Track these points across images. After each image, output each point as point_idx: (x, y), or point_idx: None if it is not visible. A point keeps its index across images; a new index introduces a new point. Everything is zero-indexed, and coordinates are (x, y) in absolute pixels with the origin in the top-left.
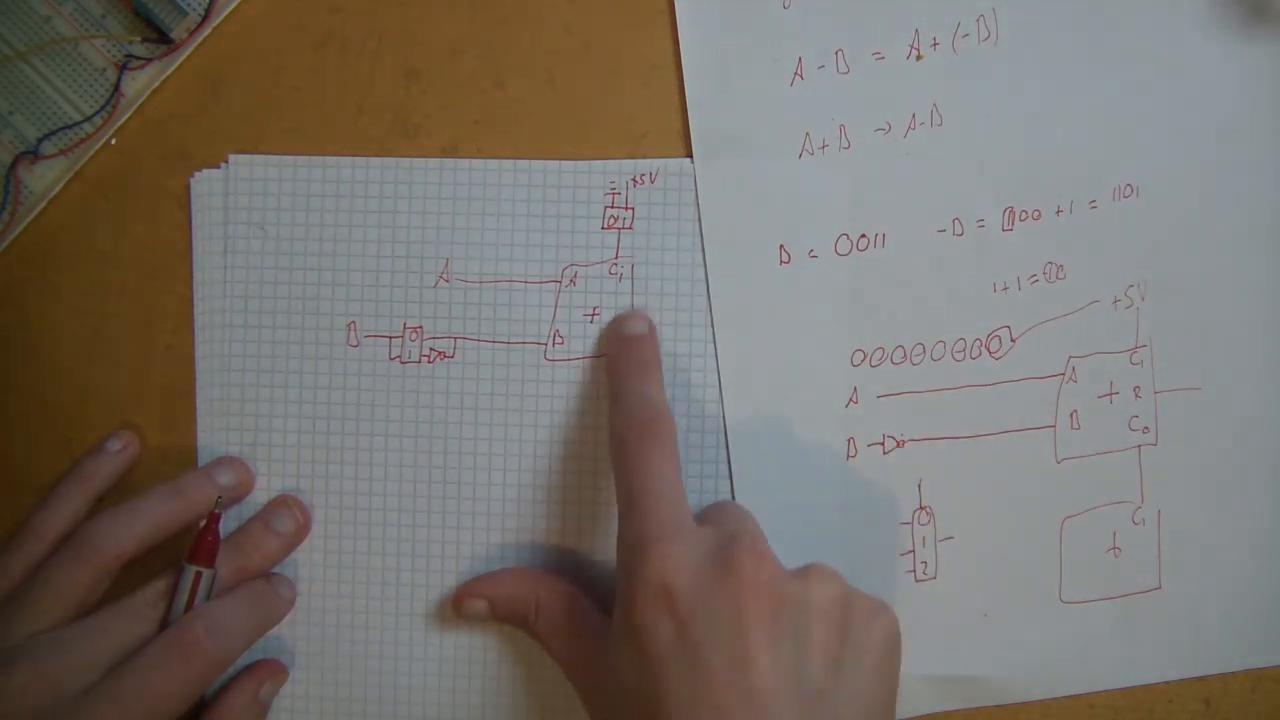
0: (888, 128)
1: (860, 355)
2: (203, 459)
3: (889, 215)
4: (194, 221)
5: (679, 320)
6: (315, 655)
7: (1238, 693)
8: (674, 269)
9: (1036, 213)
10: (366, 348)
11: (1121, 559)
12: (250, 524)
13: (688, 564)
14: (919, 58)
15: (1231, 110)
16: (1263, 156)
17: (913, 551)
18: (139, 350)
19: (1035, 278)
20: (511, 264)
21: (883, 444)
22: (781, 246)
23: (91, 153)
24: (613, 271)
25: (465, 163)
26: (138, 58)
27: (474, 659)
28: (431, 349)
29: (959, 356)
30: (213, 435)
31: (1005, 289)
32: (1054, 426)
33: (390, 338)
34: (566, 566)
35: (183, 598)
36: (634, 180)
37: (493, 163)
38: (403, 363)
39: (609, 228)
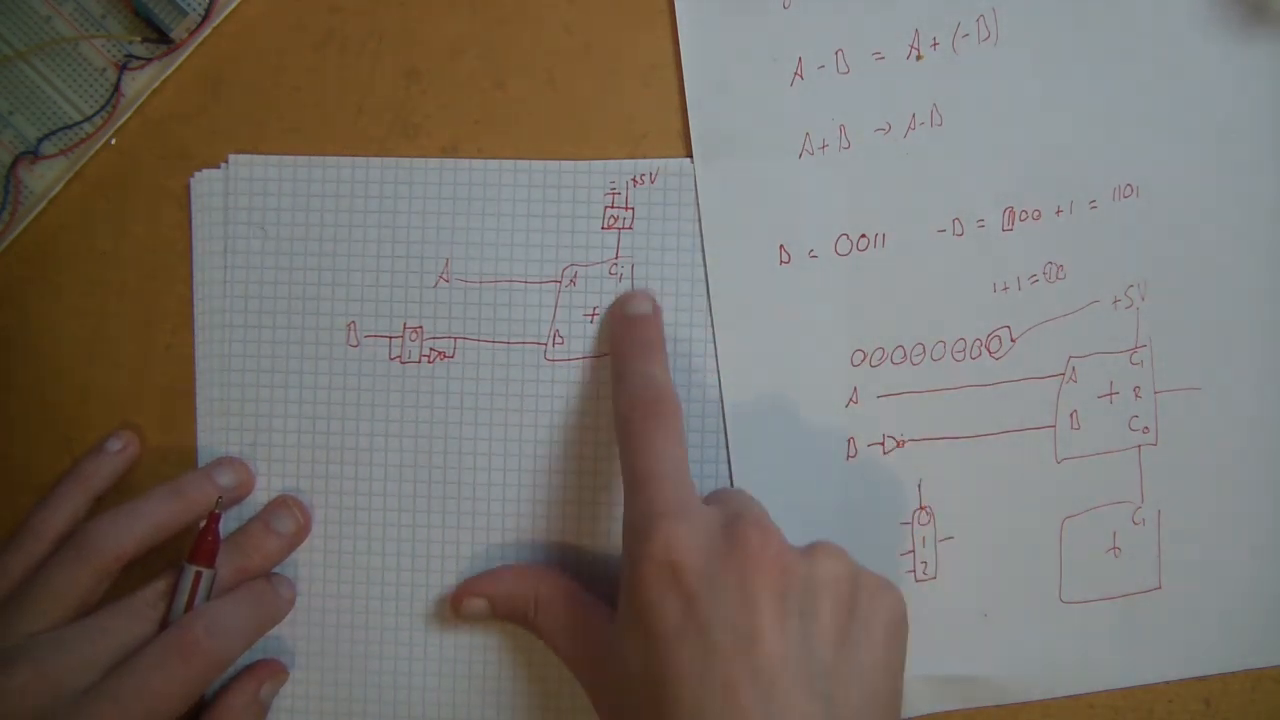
0: (888, 128)
1: (860, 355)
2: (203, 459)
3: (889, 215)
4: (194, 221)
5: (679, 320)
6: (315, 655)
7: (1238, 693)
8: (674, 269)
9: (1036, 213)
10: (366, 348)
11: (1121, 559)
12: (250, 524)
13: (694, 541)
14: (919, 58)
15: (1231, 110)
16: (1263, 156)
17: (913, 551)
18: (139, 350)
19: (1035, 278)
20: (511, 264)
21: (883, 444)
22: (781, 246)
23: (91, 153)
24: (613, 271)
25: (465, 163)
26: (138, 58)
27: (474, 659)
28: (431, 349)
29: (959, 356)
30: (213, 435)
31: (1005, 289)
32: (1054, 426)
33: (390, 338)
34: (567, 565)
35: (183, 598)
36: (634, 180)
37: (493, 163)
38: (403, 363)
39: (609, 228)
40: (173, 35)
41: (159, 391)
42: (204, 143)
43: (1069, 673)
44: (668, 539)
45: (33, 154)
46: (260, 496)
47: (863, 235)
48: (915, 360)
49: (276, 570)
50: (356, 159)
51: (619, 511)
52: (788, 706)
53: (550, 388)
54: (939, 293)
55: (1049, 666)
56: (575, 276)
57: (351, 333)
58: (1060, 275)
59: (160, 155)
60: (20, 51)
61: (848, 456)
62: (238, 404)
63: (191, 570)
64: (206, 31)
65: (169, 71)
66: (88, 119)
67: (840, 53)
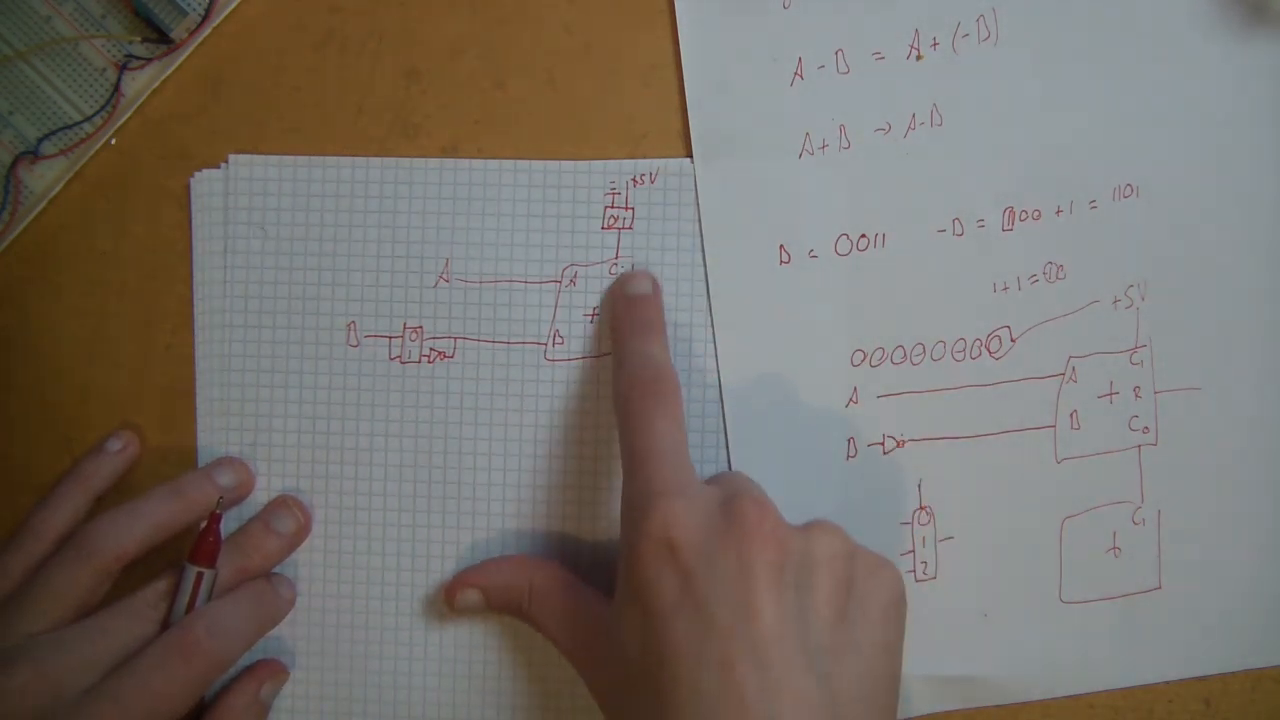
0: (888, 128)
1: (860, 355)
2: (203, 459)
3: (889, 215)
4: (194, 221)
5: (679, 320)
6: (315, 655)
7: (1238, 693)
8: (674, 269)
9: (1036, 213)
10: (366, 348)
11: (1121, 559)
12: (251, 524)
13: (691, 518)
14: (919, 58)
15: (1231, 110)
16: (1262, 156)
17: (913, 551)
18: (139, 350)
19: (1035, 278)
20: (511, 264)
21: (883, 444)
22: (781, 246)
23: (91, 153)
24: (612, 271)
25: (465, 163)
26: (138, 58)
27: (474, 658)
28: (431, 349)
29: (959, 356)
30: (213, 435)
31: (1005, 289)
32: (1054, 426)
33: (390, 338)
34: (566, 561)
35: (184, 598)
36: (634, 180)
37: (493, 163)
38: (403, 363)
39: (609, 228)
40: (173, 35)
41: (159, 391)
42: (204, 143)
43: (1069, 673)
44: (665, 517)
45: (33, 154)
46: (260, 496)
47: (863, 235)
48: (915, 360)
49: (276, 570)
50: (356, 159)
51: (619, 511)
52: (784, 681)
53: (550, 388)
54: (939, 293)
55: (1049, 666)
56: (575, 276)
57: (351, 333)
58: (1060, 275)
59: (160, 155)
60: (20, 51)
61: (848, 456)
62: (238, 404)
63: (192, 570)
64: (206, 31)
65: (169, 71)
66: (88, 119)
67: (840, 53)
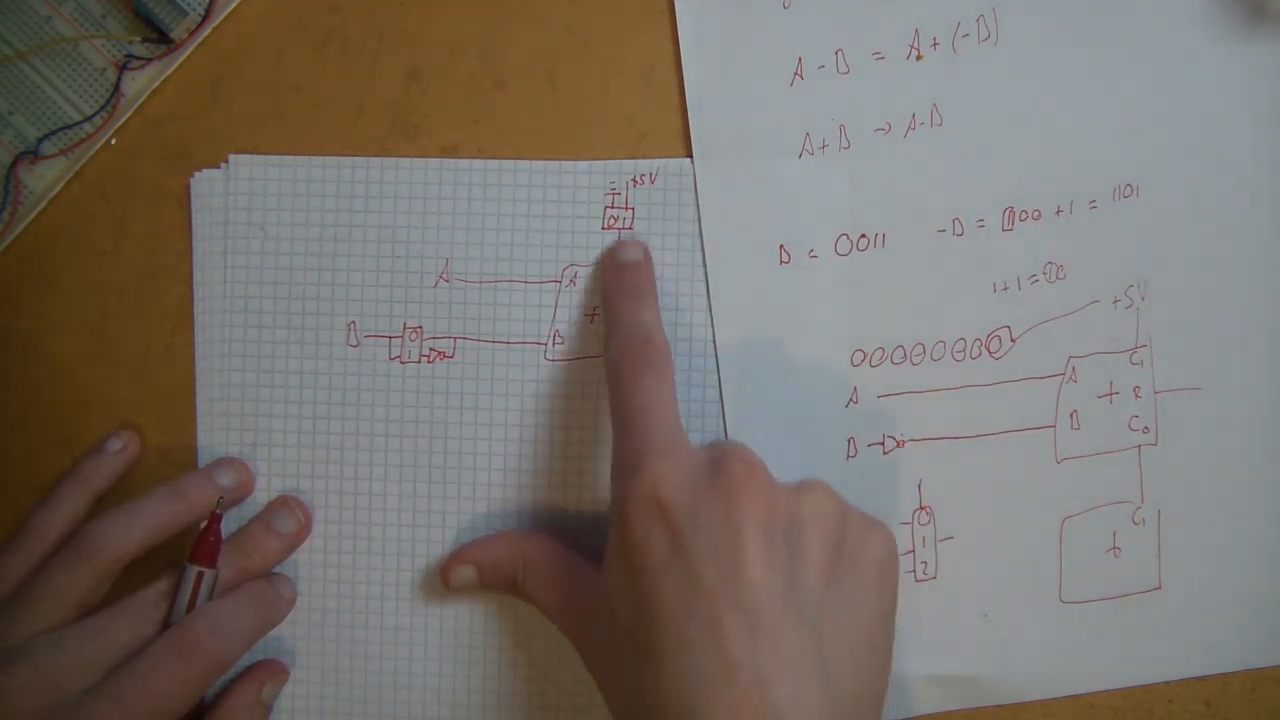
0: (888, 128)
1: (860, 355)
2: (203, 459)
3: (889, 215)
4: (194, 221)
5: (679, 320)
6: (315, 655)
7: (1238, 693)
8: (674, 269)
9: (1036, 213)
10: (366, 348)
11: (1121, 559)
12: (251, 524)
13: (680, 477)
14: (919, 58)
15: (1231, 110)
16: (1263, 156)
17: (913, 551)
18: (139, 350)
19: (1035, 278)
20: (511, 264)
21: (883, 444)
22: (781, 246)
23: (91, 153)
24: None
25: (465, 163)
26: (138, 58)
27: (473, 659)
28: (431, 349)
29: (959, 356)
30: (213, 435)
31: (1005, 289)
32: (1054, 426)
33: (390, 338)
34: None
35: (184, 598)
36: (634, 180)
37: (493, 163)
38: (403, 363)
39: (609, 228)
40: (173, 35)
41: (159, 391)
42: (204, 143)
43: (1069, 673)
44: (654, 476)
45: (33, 154)
46: (260, 496)
47: (863, 235)
48: (915, 360)
49: (276, 570)
50: (356, 159)
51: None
52: (773, 636)
53: (550, 388)
54: (939, 293)
55: (1049, 666)
56: (575, 276)
57: (351, 333)
58: (1060, 275)
59: (160, 155)
60: (20, 51)
61: (848, 456)
62: (238, 404)
63: (193, 570)
64: (206, 31)
65: (169, 71)
66: (88, 119)
67: (840, 53)
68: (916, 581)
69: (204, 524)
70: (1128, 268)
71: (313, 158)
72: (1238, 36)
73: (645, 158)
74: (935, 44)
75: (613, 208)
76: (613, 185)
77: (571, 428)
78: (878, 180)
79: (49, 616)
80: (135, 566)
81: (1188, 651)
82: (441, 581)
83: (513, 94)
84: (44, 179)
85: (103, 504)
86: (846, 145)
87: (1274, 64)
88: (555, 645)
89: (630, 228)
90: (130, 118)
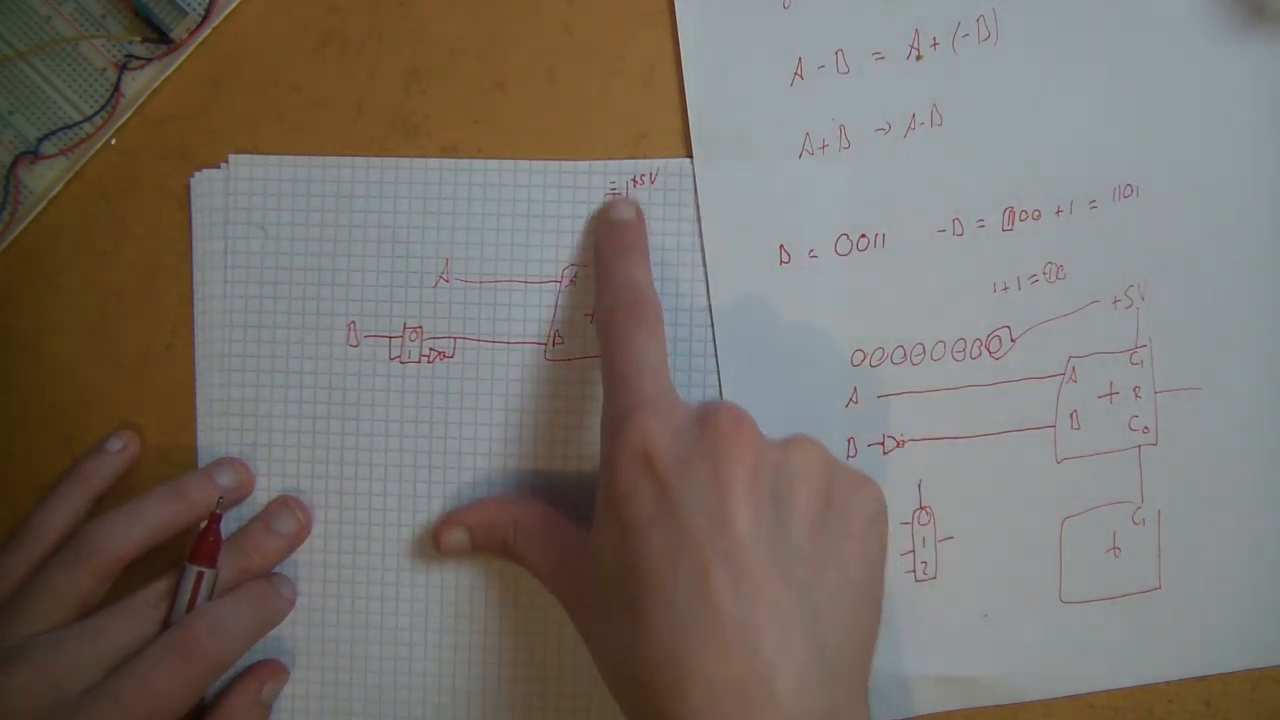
0: (888, 128)
1: (860, 355)
2: (203, 459)
3: (889, 215)
4: (194, 221)
5: (679, 320)
6: (315, 655)
7: (1238, 693)
8: (674, 269)
9: (1036, 213)
10: (366, 348)
11: (1121, 559)
12: (251, 524)
13: (668, 430)
14: (919, 58)
15: (1231, 110)
16: (1263, 156)
17: (913, 551)
18: (139, 350)
19: (1035, 278)
20: (511, 264)
21: (883, 444)
22: (781, 246)
23: (91, 153)
24: None
25: (465, 163)
26: (138, 58)
27: (474, 659)
28: (431, 349)
29: (959, 356)
30: (213, 435)
31: (1005, 289)
32: (1054, 426)
33: (390, 338)
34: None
35: (184, 598)
36: (634, 180)
37: (493, 163)
38: (403, 363)
39: None
40: (173, 35)
41: (159, 391)
42: (204, 143)
43: (1069, 673)
44: (643, 431)
45: (33, 154)
46: (260, 496)
47: (863, 235)
48: (915, 360)
49: (276, 570)
50: (356, 159)
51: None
52: (760, 588)
53: (550, 388)
54: (939, 293)
55: (1049, 666)
56: (575, 276)
57: (351, 333)
58: (1060, 275)
59: (160, 155)
60: (20, 51)
61: (848, 456)
62: (238, 404)
63: (193, 570)
64: (206, 31)
65: (169, 71)
66: (88, 119)
67: (840, 53)
68: (916, 581)
69: (204, 524)
70: (1128, 268)
71: (313, 158)
72: (1238, 36)
73: (645, 158)
74: (935, 44)
75: None
76: (613, 185)
77: (571, 428)
78: (878, 180)
79: (49, 616)
80: (135, 566)
81: (1188, 651)
82: (434, 544)
83: (513, 94)
84: (44, 179)
85: (103, 504)
86: (846, 145)
87: (1274, 64)
88: (555, 645)
89: None
90: (130, 118)
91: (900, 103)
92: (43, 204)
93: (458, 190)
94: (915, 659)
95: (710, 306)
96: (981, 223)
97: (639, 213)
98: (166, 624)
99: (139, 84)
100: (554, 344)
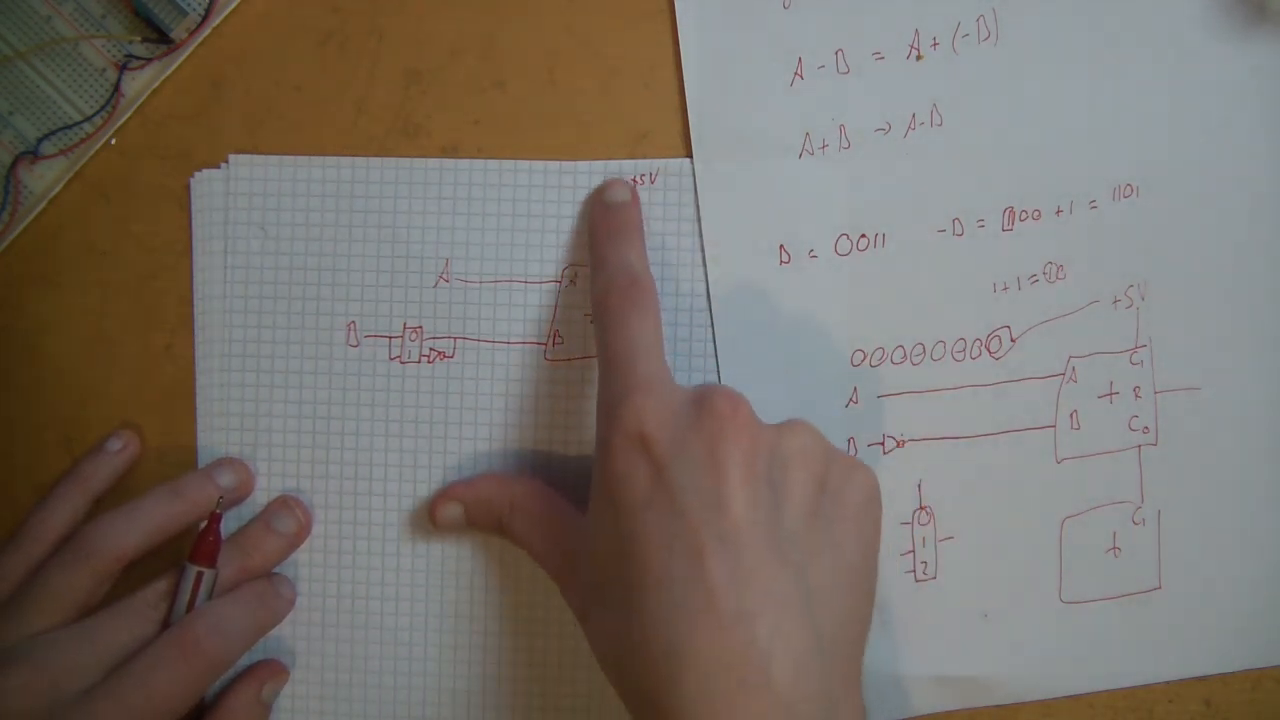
0: (888, 128)
1: (860, 355)
2: (203, 459)
3: (889, 215)
4: (194, 221)
5: (679, 320)
6: (315, 655)
7: (1238, 693)
8: (674, 269)
9: (1036, 213)
10: (366, 348)
11: (1121, 559)
12: (251, 524)
13: (663, 412)
14: (919, 58)
15: (1231, 110)
16: (1263, 156)
17: (913, 551)
18: (139, 350)
19: (1035, 278)
20: (511, 264)
21: (883, 444)
22: (781, 246)
23: (91, 153)
24: None
25: (465, 163)
26: (138, 58)
27: (474, 659)
28: (431, 349)
29: (959, 356)
30: (213, 435)
31: (1005, 289)
32: (1054, 426)
33: (390, 338)
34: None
35: (184, 598)
36: (634, 180)
37: (493, 163)
38: (403, 363)
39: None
40: (173, 35)
41: (159, 391)
42: (204, 143)
43: (1069, 673)
44: (638, 412)
45: (33, 154)
46: (260, 496)
47: (863, 235)
48: (915, 360)
49: (276, 570)
50: (356, 159)
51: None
52: (755, 571)
53: (550, 388)
54: (939, 293)
55: (1049, 666)
56: (575, 276)
57: (351, 333)
58: (1060, 275)
59: (160, 155)
60: (20, 51)
61: None
62: (238, 404)
63: (193, 570)
64: (206, 31)
65: (169, 71)
66: (88, 119)
67: (840, 53)
68: (916, 581)
69: (204, 524)
70: (1128, 268)
71: (313, 158)
72: (1238, 36)
73: (645, 158)
74: (935, 44)
75: None
76: None
77: (571, 428)
78: (878, 180)
79: (48, 617)
80: (135, 566)
81: (1188, 651)
82: (429, 519)
83: (513, 94)
84: (44, 179)
85: (102, 504)
86: (846, 145)
87: (1274, 64)
88: (556, 645)
89: None
90: (130, 118)
91: (900, 103)
92: (43, 204)
93: (458, 190)
94: (915, 659)
95: (710, 306)
96: (981, 223)
97: (634, 194)
98: (166, 624)
99: (139, 84)
100: (554, 344)
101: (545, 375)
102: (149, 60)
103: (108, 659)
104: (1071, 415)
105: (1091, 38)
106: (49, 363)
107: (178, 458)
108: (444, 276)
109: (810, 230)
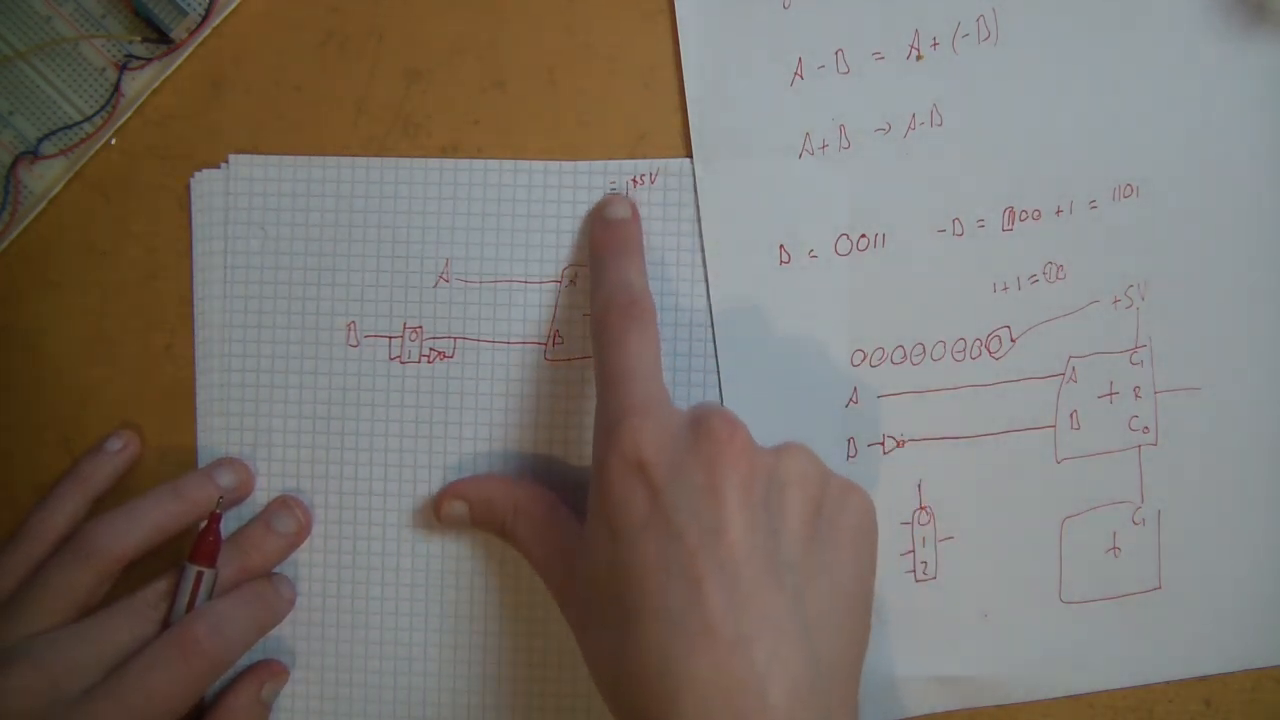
0: (888, 128)
1: (860, 355)
2: (203, 459)
3: (889, 215)
4: (194, 221)
5: (679, 320)
6: (315, 655)
7: (1238, 693)
8: (674, 269)
9: (1036, 213)
10: (366, 348)
11: (1121, 559)
12: (251, 524)
13: (661, 436)
14: (919, 58)
15: (1232, 110)
16: (1263, 156)
17: (913, 551)
18: (139, 350)
19: (1035, 278)
20: (511, 264)
21: (883, 444)
22: (781, 246)
23: (91, 153)
24: None
25: (465, 163)
26: (138, 58)
27: (474, 659)
28: (431, 349)
29: (959, 356)
30: (213, 435)
31: (1005, 289)
32: (1054, 426)
33: (390, 338)
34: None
35: (184, 598)
36: (634, 180)
37: (493, 163)
38: (403, 363)
39: None
40: (173, 35)
41: (159, 391)
42: (204, 143)
43: (1069, 673)
44: (635, 435)
45: (33, 154)
46: (260, 496)
47: (863, 235)
48: (915, 360)
49: (276, 570)
50: (356, 159)
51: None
52: (752, 597)
53: (550, 388)
54: (939, 293)
55: (1049, 666)
56: (575, 276)
57: (351, 333)
58: (1060, 275)
59: (160, 155)
60: (20, 51)
61: (848, 456)
62: (238, 404)
63: (193, 570)
64: (206, 31)
65: (169, 71)
66: (88, 119)
67: (840, 53)
68: (916, 581)
69: (204, 524)
70: (1128, 268)
71: (313, 158)
72: (1238, 36)
73: (645, 158)
74: (935, 44)
75: None
76: (613, 185)
77: (571, 428)
78: (878, 180)
79: (49, 617)
80: (135, 566)
81: (1188, 651)
82: (435, 513)
83: (513, 94)
84: (44, 179)
85: (102, 504)
86: (846, 145)
87: (1274, 64)
88: (556, 645)
89: None
90: (130, 118)
91: (900, 103)
92: (43, 204)
93: (458, 190)
94: (915, 659)
95: (710, 306)
96: (981, 223)
97: (635, 211)
98: (166, 624)
99: (139, 84)
100: (554, 344)
101: (545, 375)
102: (149, 60)
103: (108, 659)
104: (1071, 415)
105: (1091, 37)
106: (49, 363)
107: (178, 458)
108: (444, 276)
109: (810, 230)
